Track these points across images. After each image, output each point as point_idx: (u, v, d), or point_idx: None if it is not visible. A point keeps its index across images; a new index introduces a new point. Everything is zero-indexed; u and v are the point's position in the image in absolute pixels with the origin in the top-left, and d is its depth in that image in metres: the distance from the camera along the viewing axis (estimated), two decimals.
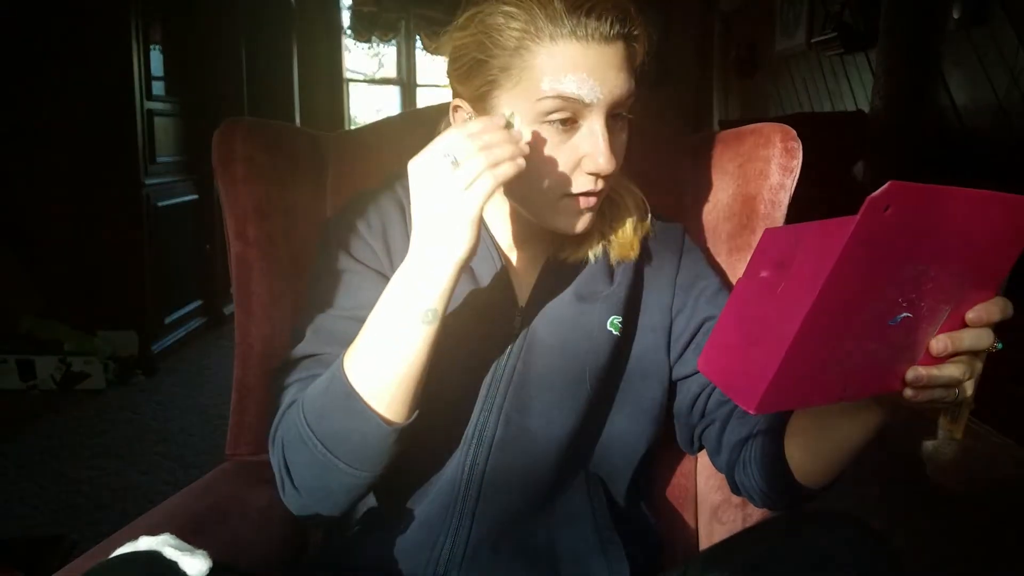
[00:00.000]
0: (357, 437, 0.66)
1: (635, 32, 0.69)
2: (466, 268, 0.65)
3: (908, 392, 0.54)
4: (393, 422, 0.66)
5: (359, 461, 0.67)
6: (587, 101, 0.67)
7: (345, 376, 0.66)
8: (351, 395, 0.65)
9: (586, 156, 0.69)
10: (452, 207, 0.61)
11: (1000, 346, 0.54)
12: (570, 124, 0.69)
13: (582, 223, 0.74)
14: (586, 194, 0.71)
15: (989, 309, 0.53)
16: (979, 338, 0.53)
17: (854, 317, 0.48)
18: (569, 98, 0.67)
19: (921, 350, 0.53)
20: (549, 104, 0.67)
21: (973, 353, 0.54)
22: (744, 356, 0.51)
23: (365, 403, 0.65)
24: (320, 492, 0.70)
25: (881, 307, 0.49)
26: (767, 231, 0.52)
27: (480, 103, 0.72)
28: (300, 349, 0.75)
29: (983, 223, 0.48)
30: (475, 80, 0.71)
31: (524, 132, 0.68)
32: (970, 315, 0.53)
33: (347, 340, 0.72)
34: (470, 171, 0.61)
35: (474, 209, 0.61)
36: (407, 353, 0.65)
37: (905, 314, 0.50)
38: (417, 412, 0.68)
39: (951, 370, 0.53)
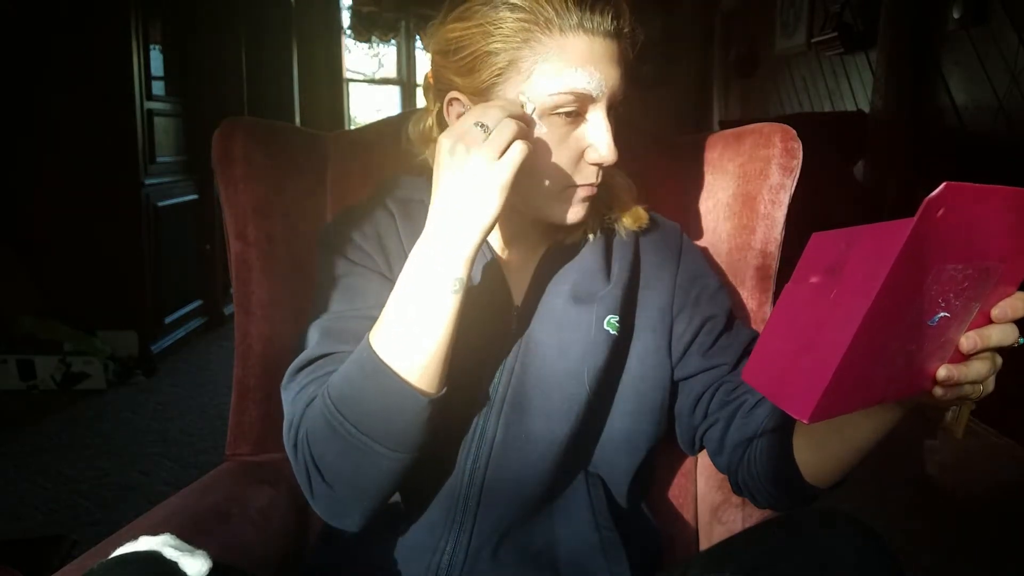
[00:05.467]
0: (394, 414, 0.65)
1: (627, 30, 0.71)
2: (488, 235, 0.66)
3: (938, 391, 0.54)
4: (428, 393, 0.66)
5: (395, 441, 0.66)
6: (594, 95, 0.69)
7: (376, 354, 0.65)
8: (385, 371, 0.65)
9: (590, 147, 0.71)
10: (485, 174, 0.63)
11: (1023, 341, 0.54)
12: (575, 116, 0.70)
13: (581, 212, 0.75)
14: (586, 185, 0.73)
15: (1014, 305, 0.53)
16: (1005, 334, 0.53)
17: (902, 319, 0.48)
18: (580, 93, 0.68)
19: (951, 348, 0.53)
20: (560, 99, 0.69)
21: (995, 349, 0.54)
22: (794, 364, 0.50)
23: (400, 377, 0.65)
24: (355, 484, 0.68)
25: (923, 308, 0.49)
26: (815, 235, 0.52)
27: (482, 96, 0.72)
28: (311, 352, 0.74)
29: (1016, 220, 0.48)
30: (480, 73, 0.70)
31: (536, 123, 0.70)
32: (995, 311, 0.53)
33: (360, 337, 0.72)
34: (501, 135, 0.63)
35: (507, 175, 0.63)
36: (438, 323, 0.65)
37: (943, 313, 0.50)
38: (447, 385, 0.68)
39: (978, 367, 0.54)
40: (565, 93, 0.68)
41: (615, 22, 0.69)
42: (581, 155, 0.72)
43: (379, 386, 0.65)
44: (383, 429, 0.66)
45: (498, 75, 0.70)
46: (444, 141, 0.65)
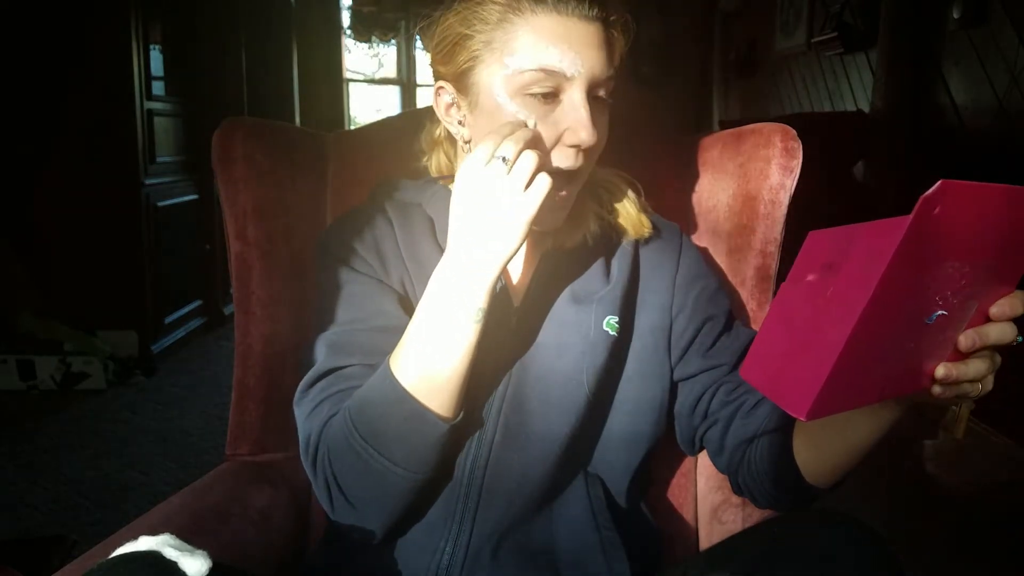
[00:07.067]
0: (415, 438, 0.67)
1: (613, 18, 0.72)
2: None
3: (937, 389, 0.54)
4: (448, 419, 0.67)
5: (416, 463, 0.68)
6: (568, 74, 0.69)
7: (397, 381, 0.66)
8: (406, 398, 0.66)
9: (568, 129, 0.71)
10: (510, 209, 0.63)
11: (1021, 339, 0.54)
12: (551, 98, 0.70)
13: (556, 220, 0.76)
14: (564, 171, 0.72)
15: (1012, 303, 0.53)
16: (1003, 332, 0.53)
17: (899, 317, 0.48)
18: (551, 71, 0.69)
19: (949, 346, 0.53)
20: (531, 77, 0.69)
21: (994, 347, 0.54)
22: (792, 362, 0.50)
23: (421, 404, 0.66)
24: (375, 502, 0.70)
25: (921, 306, 0.49)
26: (812, 233, 0.52)
27: (462, 81, 0.73)
28: (321, 366, 0.74)
29: (1013, 218, 0.48)
30: (458, 57, 0.72)
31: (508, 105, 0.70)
32: (994, 310, 0.53)
33: (367, 350, 0.73)
34: (524, 169, 0.63)
35: (534, 209, 0.64)
36: (458, 352, 0.66)
37: (940, 312, 0.50)
38: (463, 409, 0.69)
39: (977, 365, 0.54)
40: (536, 70, 0.69)
41: (594, 8, 0.69)
42: (559, 138, 0.71)
43: (400, 413, 0.66)
44: (404, 453, 0.67)
45: (474, 57, 0.71)
46: (465, 173, 0.66)
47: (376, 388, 0.68)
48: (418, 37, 0.79)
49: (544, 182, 0.64)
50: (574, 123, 0.70)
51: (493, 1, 0.70)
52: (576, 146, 0.71)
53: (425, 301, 0.68)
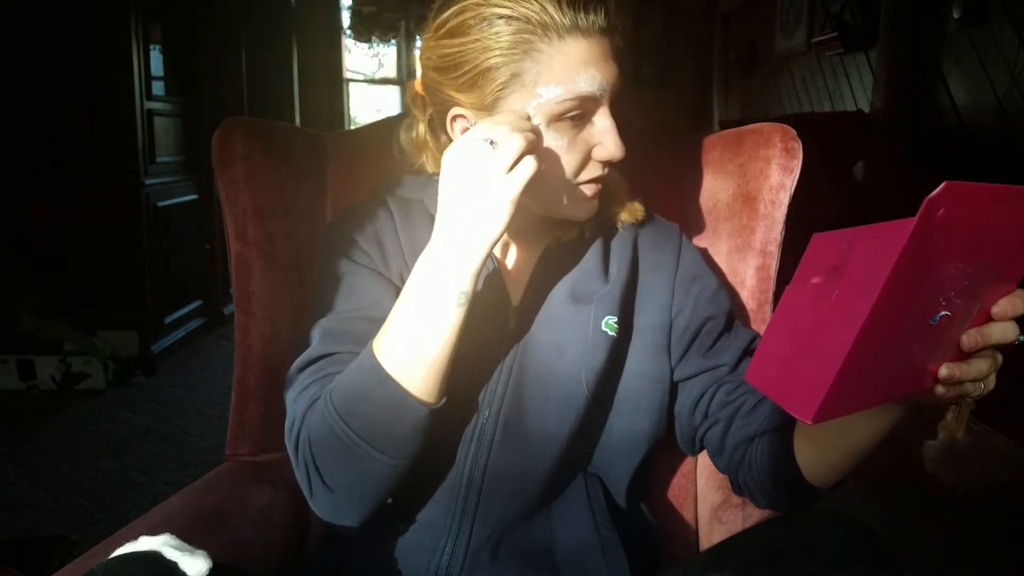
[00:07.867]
0: (394, 422, 0.66)
1: (617, 22, 0.71)
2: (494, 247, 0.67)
3: (940, 389, 0.54)
4: (428, 403, 0.67)
5: (394, 448, 0.67)
6: (598, 96, 0.70)
7: (379, 363, 0.66)
8: (387, 380, 0.66)
9: (598, 146, 0.72)
10: (494, 189, 0.63)
11: (1023, 338, 0.55)
12: (579, 119, 0.71)
13: (592, 209, 0.77)
14: (595, 180, 0.74)
15: (1014, 302, 0.53)
16: (1005, 331, 0.54)
17: (903, 319, 0.48)
18: (585, 96, 0.69)
19: (952, 346, 0.53)
20: (567, 106, 0.69)
21: (996, 346, 0.54)
22: (797, 365, 0.50)
23: (402, 387, 0.66)
24: (353, 488, 0.70)
25: (924, 307, 0.49)
26: (816, 236, 0.52)
27: (488, 111, 0.71)
28: (313, 351, 0.74)
29: (1015, 218, 0.48)
30: (483, 89, 0.70)
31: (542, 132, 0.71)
32: (996, 309, 0.53)
33: (360, 338, 0.72)
34: (510, 150, 0.63)
35: (516, 190, 0.63)
36: (441, 335, 0.66)
37: (944, 312, 0.50)
38: (446, 395, 0.69)
39: (980, 364, 0.54)
40: (571, 99, 0.68)
41: (607, 17, 0.69)
42: (589, 154, 0.73)
43: (381, 395, 0.66)
44: (383, 437, 0.67)
45: (502, 89, 0.69)
46: (451, 156, 0.66)
47: (358, 370, 0.68)
48: (418, 37, 0.78)
49: (528, 163, 0.64)
50: (605, 140, 0.71)
51: (516, 30, 0.67)
52: (608, 161, 0.72)
53: (410, 284, 0.68)
